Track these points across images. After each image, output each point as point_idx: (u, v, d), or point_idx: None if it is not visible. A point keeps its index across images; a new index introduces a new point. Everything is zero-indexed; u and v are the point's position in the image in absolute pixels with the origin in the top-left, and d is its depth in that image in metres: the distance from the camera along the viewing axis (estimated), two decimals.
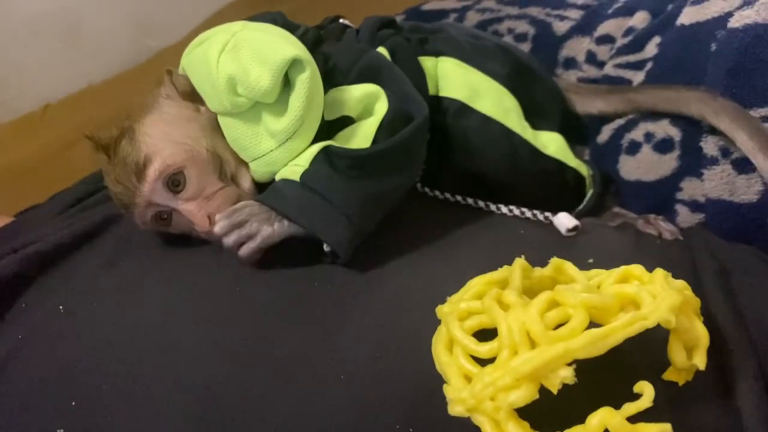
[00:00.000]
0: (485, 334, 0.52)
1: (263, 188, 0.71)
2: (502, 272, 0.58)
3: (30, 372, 0.60)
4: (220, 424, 0.55)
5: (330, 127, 0.71)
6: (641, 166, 0.84)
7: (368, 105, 0.71)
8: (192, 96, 0.73)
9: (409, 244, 0.70)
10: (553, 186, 0.82)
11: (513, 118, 0.80)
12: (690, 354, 0.53)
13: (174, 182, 0.68)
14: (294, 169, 0.67)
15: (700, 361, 0.52)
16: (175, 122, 0.70)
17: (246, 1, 1.57)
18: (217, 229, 0.65)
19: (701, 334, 0.52)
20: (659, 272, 0.54)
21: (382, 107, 0.70)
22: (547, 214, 0.75)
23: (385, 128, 0.68)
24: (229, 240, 0.65)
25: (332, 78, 0.73)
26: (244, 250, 0.65)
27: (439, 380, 0.53)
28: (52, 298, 0.66)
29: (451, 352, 0.53)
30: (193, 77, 0.71)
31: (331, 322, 0.61)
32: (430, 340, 0.56)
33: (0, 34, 1.19)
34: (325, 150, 0.66)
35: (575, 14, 1.02)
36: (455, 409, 0.50)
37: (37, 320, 0.64)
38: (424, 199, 0.80)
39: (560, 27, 1.01)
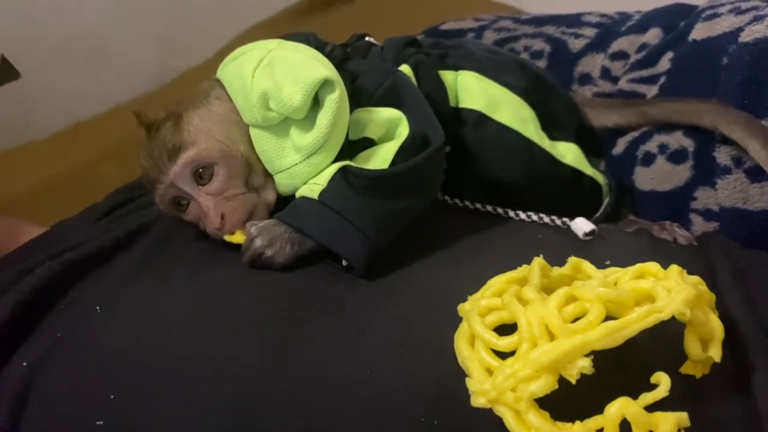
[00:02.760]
0: (505, 330, 0.54)
1: (283, 200, 0.74)
2: (521, 271, 0.60)
3: (70, 368, 0.62)
4: (252, 415, 0.57)
5: (352, 147, 0.74)
6: (656, 177, 0.86)
7: (390, 129, 0.74)
8: None
9: (431, 248, 0.73)
10: (569, 193, 0.84)
11: (530, 128, 0.82)
12: (705, 347, 0.54)
13: (201, 174, 0.72)
14: (313, 188, 0.70)
15: (716, 353, 0.53)
16: (220, 122, 0.74)
17: (267, 24, 1.61)
18: (244, 260, 0.70)
19: (716, 327, 0.54)
20: (674, 268, 0.56)
21: (403, 132, 0.72)
22: (565, 219, 0.77)
23: (403, 152, 0.71)
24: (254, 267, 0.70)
25: (358, 98, 0.75)
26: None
27: (461, 375, 0.55)
28: (89, 300, 0.68)
29: (472, 346, 0.55)
30: (228, 89, 0.75)
31: (357, 322, 0.64)
32: (452, 338, 0.58)
33: (33, 57, 1.22)
34: (342, 170, 0.69)
35: (590, 32, 1.05)
36: (478, 401, 0.52)
37: (76, 320, 0.67)
38: (445, 206, 0.82)
39: (575, 44, 1.04)
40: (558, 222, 0.78)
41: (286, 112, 0.69)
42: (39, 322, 0.68)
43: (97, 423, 0.57)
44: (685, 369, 0.56)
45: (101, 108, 1.34)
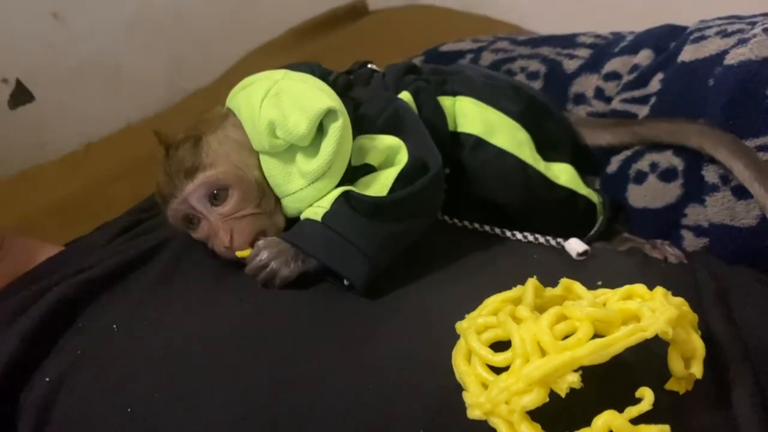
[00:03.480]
0: (500, 347, 0.58)
1: (290, 222, 0.78)
2: (516, 291, 0.63)
3: (88, 384, 0.66)
4: (264, 426, 0.61)
5: (354, 172, 0.78)
6: (648, 194, 0.89)
7: (390, 156, 0.78)
8: None
9: (430, 268, 0.76)
10: (565, 213, 0.87)
11: (526, 151, 0.86)
12: (688, 364, 0.57)
13: (216, 195, 0.75)
14: (316, 210, 0.74)
15: (697, 370, 0.57)
16: (236, 148, 0.78)
17: (273, 44, 1.65)
18: (247, 271, 0.73)
19: (697, 345, 0.57)
20: (659, 290, 0.59)
21: (402, 159, 0.76)
22: (559, 239, 0.81)
23: (402, 178, 0.74)
24: (258, 281, 0.73)
25: (361, 124, 0.79)
26: (269, 286, 0.73)
27: (458, 389, 0.58)
28: (106, 319, 0.72)
29: (469, 362, 0.59)
30: (242, 119, 0.79)
31: (359, 338, 0.67)
32: (450, 354, 0.61)
33: (47, 81, 1.27)
34: (345, 194, 0.73)
35: (584, 53, 1.08)
36: (473, 413, 0.55)
37: (93, 338, 0.70)
38: (445, 226, 0.86)
39: (570, 65, 1.07)
40: (552, 242, 0.81)
41: (292, 140, 0.73)
42: (58, 339, 0.71)
43: None
44: (670, 385, 0.59)
45: (113, 128, 1.38)
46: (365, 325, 0.69)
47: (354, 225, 0.71)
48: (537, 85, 1.08)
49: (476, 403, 0.55)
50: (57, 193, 1.24)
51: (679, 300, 0.59)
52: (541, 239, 0.82)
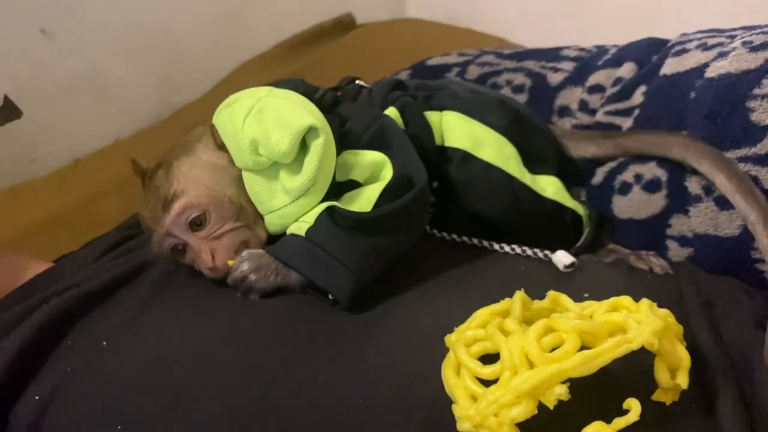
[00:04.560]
0: (489, 359, 0.59)
1: (274, 239, 0.79)
2: (503, 304, 0.64)
3: (78, 402, 0.66)
4: None
5: (339, 188, 0.78)
6: (633, 205, 0.91)
7: (375, 172, 0.78)
8: (227, 148, 0.80)
9: (419, 281, 0.77)
10: (552, 225, 0.88)
11: (513, 164, 0.87)
12: (674, 375, 0.59)
13: (196, 221, 0.76)
14: (301, 225, 0.75)
15: (683, 380, 0.58)
16: (208, 168, 0.79)
17: (260, 59, 1.65)
18: (228, 281, 0.75)
19: (683, 356, 0.59)
20: (644, 302, 0.61)
21: (387, 174, 0.77)
22: (546, 252, 0.82)
23: (387, 193, 0.75)
24: (238, 293, 0.75)
25: (346, 140, 0.80)
26: (247, 297, 0.75)
27: (448, 402, 0.59)
28: (95, 335, 0.72)
29: (458, 375, 0.60)
30: (222, 135, 0.79)
31: (349, 352, 0.67)
32: (439, 367, 0.62)
33: (36, 97, 1.26)
34: (329, 209, 0.74)
35: (568, 66, 1.10)
36: (463, 426, 0.56)
37: (83, 355, 0.70)
38: (433, 239, 0.87)
39: (554, 78, 1.09)
40: (540, 254, 0.82)
41: (274, 158, 0.73)
42: (48, 356, 0.72)
43: None
44: (656, 396, 0.60)
45: (102, 144, 1.38)
46: (355, 338, 0.69)
47: (337, 240, 0.72)
48: (522, 98, 1.10)
49: (466, 416, 0.56)
50: (46, 209, 1.24)
51: (665, 311, 0.60)
52: (529, 251, 0.83)
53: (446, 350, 0.63)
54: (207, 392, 0.65)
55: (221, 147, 0.80)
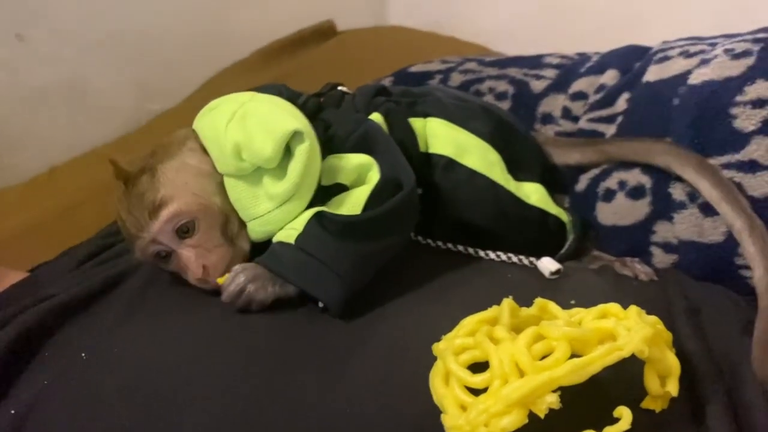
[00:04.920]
0: (478, 368, 0.58)
1: (258, 246, 0.77)
2: (491, 311, 0.64)
3: (58, 413, 0.64)
4: None
5: (325, 192, 0.77)
6: (617, 212, 0.90)
7: (361, 174, 0.77)
8: None
9: (405, 290, 0.75)
10: (536, 232, 0.88)
11: (497, 171, 0.86)
12: (664, 382, 0.58)
13: (183, 228, 0.74)
14: (290, 233, 0.73)
15: (673, 388, 0.57)
16: (195, 174, 0.77)
17: (239, 66, 1.64)
18: (224, 298, 0.71)
19: (673, 363, 0.58)
20: (633, 309, 0.60)
21: (373, 177, 0.75)
22: (532, 259, 0.81)
23: (375, 196, 0.74)
24: (236, 306, 0.71)
25: (331, 145, 0.79)
26: (246, 311, 0.72)
27: (436, 412, 0.58)
28: (74, 347, 0.70)
29: (447, 384, 0.58)
30: (203, 140, 0.78)
31: (335, 363, 0.66)
32: (427, 377, 0.61)
33: (11, 103, 1.24)
34: (317, 215, 0.72)
35: (550, 73, 1.10)
36: None
37: (61, 367, 0.68)
38: (418, 246, 0.86)
39: (537, 85, 1.09)
40: (525, 261, 0.81)
41: (258, 163, 0.72)
42: (23, 370, 0.70)
43: None
44: (646, 404, 0.59)
45: (78, 152, 1.36)
46: (340, 348, 0.68)
47: (327, 246, 0.71)
48: (505, 105, 1.09)
49: (455, 426, 0.55)
50: (20, 217, 1.21)
51: (654, 318, 0.60)
52: (514, 258, 0.82)
53: (433, 360, 0.62)
54: (191, 404, 0.63)
55: (206, 152, 0.78)
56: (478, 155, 0.86)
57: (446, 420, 0.56)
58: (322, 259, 0.70)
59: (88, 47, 1.36)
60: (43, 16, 1.27)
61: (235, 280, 0.71)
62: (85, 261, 0.90)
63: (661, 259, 0.87)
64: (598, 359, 0.54)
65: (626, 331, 0.57)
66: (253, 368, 0.66)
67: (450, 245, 0.85)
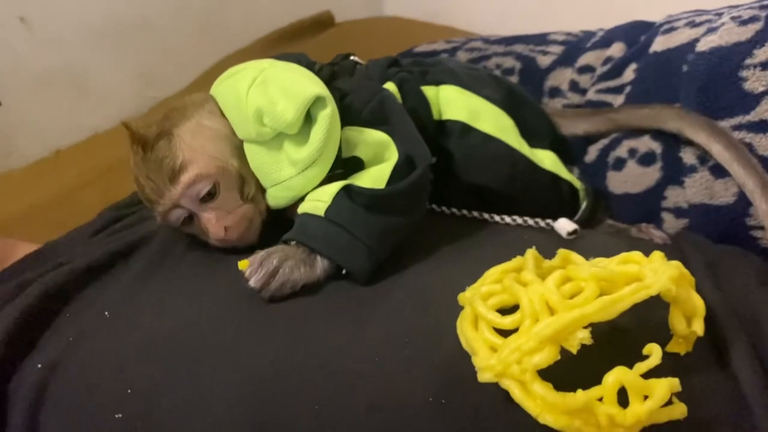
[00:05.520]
0: (505, 314, 0.58)
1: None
2: (515, 262, 0.64)
3: (84, 368, 0.64)
4: (268, 405, 0.59)
5: (343, 164, 0.78)
6: (628, 180, 0.91)
7: (378, 152, 0.77)
8: None
9: (425, 252, 0.76)
10: (549, 198, 0.89)
11: (511, 135, 0.87)
12: (689, 323, 0.59)
13: (205, 192, 0.75)
14: (317, 205, 0.72)
15: (699, 327, 0.58)
16: (212, 137, 0.77)
17: (240, 54, 1.64)
18: (253, 283, 0.68)
19: (698, 304, 0.59)
20: (657, 253, 0.61)
21: (392, 155, 0.76)
22: (548, 221, 0.82)
23: (396, 173, 0.74)
24: (266, 294, 0.69)
25: (347, 115, 0.79)
26: (279, 295, 0.69)
27: (465, 357, 0.58)
28: (96, 307, 0.70)
29: (476, 328, 0.59)
30: (222, 106, 0.78)
31: (360, 317, 0.67)
32: (453, 327, 0.61)
33: (14, 88, 1.24)
34: (345, 188, 0.72)
35: (557, 49, 1.11)
36: (484, 376, 0.55)
37: (84, 325, 0.68)
38: (434, 214, 0.86)
39: (544, 60, 1.10)
40: (542, 224, 0.82)
41: (279, 128, 0.72)
42: (46, 329, 0.70)
43: (116, 416, 0.59)
44: (671, 347, 0.60)
45: (80, 136, 1.36)
46: (364, 305, 0.68)
47: (359, 219, 0.71)
48: (513, 80, 1.10)
49: (487, 366, 0.55)
50: (26, 200, 1.21)
51: (676, 262, 0.60)
52: (530, 221, 0.83)
53: (457, 311, 0.62)
54: (217, 358, 0.63)
55: (224, 116, 0.79)
56: (492, 120, 0.87)
57: (477, 361, 0.56)
58: (353, 230, 0.70)
59: (90, 33, 1.36)
60: (46, 1, 1.27)
61: (265, 264, 0.69)
62: (98, 232, 0.90)
63: (672, 224, 0.88)
64: (627, 296, 0.54)
65: (652, 273, 0.57)
66: (276, 324, 0.66)
67: (465, 212, 0.86)
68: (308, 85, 0.73)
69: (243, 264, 0.70)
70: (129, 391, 0.61)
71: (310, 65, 0.83)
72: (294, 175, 0.74)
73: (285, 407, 0.59)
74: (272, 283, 0.69)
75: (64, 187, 1.24)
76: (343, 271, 0.72)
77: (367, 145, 0.77)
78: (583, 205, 0.90)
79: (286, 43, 1.69)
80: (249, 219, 0.77)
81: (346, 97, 0.82)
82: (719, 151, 0.81)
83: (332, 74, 0.87)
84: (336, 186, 0.73)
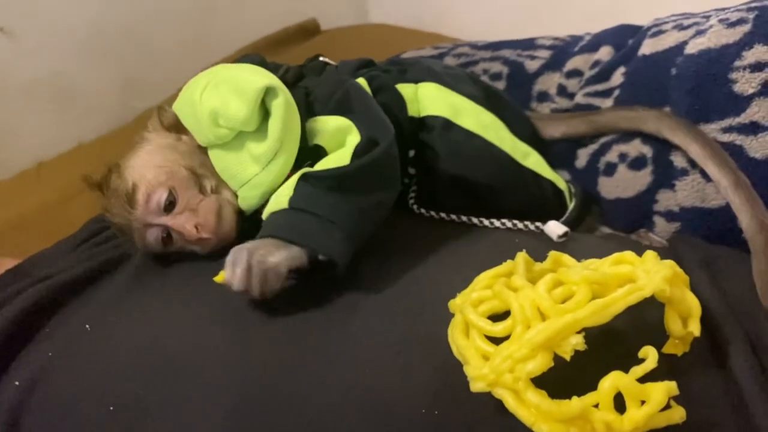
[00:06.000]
0: (496, 321, 0.57)
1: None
2: (505, 266, 0.63)
3: (65, 384, 0.62)
4: (257, 421, 0.58)
5: (307, 155, 0.76)
6: (619, 185, 0.91)
7: (340, 138, 0.76)
8: (177, 128, 0.80)
9: (414, 258, 0.74)
10: (534, 196, 0.87)
11: (492, 132, 0.86)
12: (685, 324, 0.58)
13: (170, 203, 0.74)
14: (280, 200, 0.70)
15: (695, 327, 0.57)
16: (156, 150, 0.78)
17: (224, 63, 1.63)
18: (236, 285, 0.64)
19: (693, 304, 0.58)
20: (650, 253, 0.60)
21: (353, 139, 0.74)
22: (538, 224, 0.80)
23: (358, 154, 0.72)
24: (255, 292, 0.65)
25: (312, 108, 0.79)
26: (269, 291, 0.66)
27: (457, 366, 0.57)
28: (77, 320, 0.69)
29: (467, 336, 0.58)
30: (181, 117, 0.78)
31: (351, 325, 0.65)
32: (444, 334, 0.60)
33: None
34: (303, 176, 0.71)
35: (544, 54, 1.10)
36: (477, 386, 0.54)
37: (66, 339, 0.67)
38: (421, 220, 0.85)
39: (531, 65, 1.09)
40: (531, 227, 0.81)
41: (236, 126, 0.72)
42: (26, 345, 0.68)
43: None
44: (667, 348, 0.59)
45: (64, 147, 1.34)
46: (355, 312, 0.67)
47: (321, 200, 0.69)
48: (500, 85, 1.09)
49: (479, 375, 0.54)
50: (9, 212, 1.19)
51: (670, 262, 0.59)
52: (520, 225, 0.81)
53: (449, 318, 0.61)
54: (204, 373, 0.62)
55: (168, 128, 0.80)
56: (473, 117, 0.86)
57: (470, 370, 0.55)
58: (319, 213, 0.68)
59: (73, 43, 1.34)
60: (28, 10, 1.26)
61: (237, 262, 0.65)
62: (81, 244, 0.88)
63: (664, 227, 0.87)
64: (620, 299, 0.53)
65: (645, 273, 0.56)
66: (265, 334, 0.65)
67: (454, 217, 0.84)
68: (256, 78, 0.73)
69: (219, 277, 0.66)
70: (111, 408, 0.59)
71: (272, 68, 0.82)
72: (259, 172, 0.74)
73: (275, 420, 0.58)
74: (252, 277, 0.65)
75: (48, 199, 1.22)
76: (320, 257, 0.69)
77: (327, 133, 0.77)
78: (571, 205, 0.89)
79: (272, 51, 1.68)
80: (216, 211, 0.75)
81: (311, 93, 0.82)
82: (696, 152, 0.81)
83: (299, 74, 0.86)
84: (296, 177, 0.72)
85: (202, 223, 0.74)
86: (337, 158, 0.73)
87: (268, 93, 0.72)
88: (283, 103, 0.72)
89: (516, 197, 0.86)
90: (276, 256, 0.66)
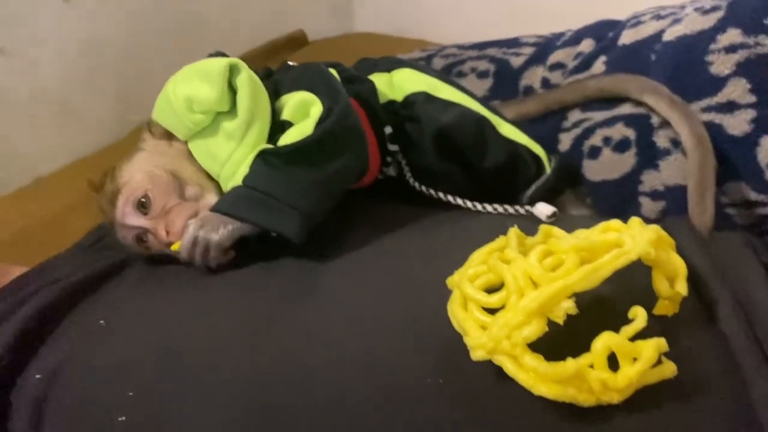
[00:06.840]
0: (492, 293, 0.59)
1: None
2: (499, 242, 0.65)
3: (84, 374, 0.64)
4: (273, 398, 0.60)
5: (279, 133, 0.79)
6: (604, 168, 0.93)
7: (305, 110, 0.80)
8: (168, 135, 0.84)
9: (407, 243, 0.78)
10: (514, 158, 0.90)
11: (468, 102, 0.91)
12: (672, 285, 0.60)
13: (142, 204, 0.78)
14: (237, 178, 0.76)
15: (682, 287, 0.59)
16: (145, 156, 0.83)
17: None
18: (182, 256, 0.74)
19: (678, 264, 0.60)
20: (635, 219, 0.62)
21: (316, 110, 0.78)
22: (527, 206, 0.83)
23: (321, 125, 0.76)
24: (197, 262, 0.74)
25: (279, 91, 0.83)
26: (211, 263, 0.74)
27: (459, 338, 0.59)
28: (91, 318, 0.71)
29: (466, 309, 0.60)
30: (159, 119, 0.83)
31: (354, 306, 0.68)
32: (444, 310, 0.62)
33: None
34: (260, 153, 0.75)
35: (528, 50, 1.14)
36: (477, 354, 0.56)
37: (82, 335, 0.69)
38: (412, 198, 0.88)
39: (516, 61, 1.12)
40: (521, 210, 0.83)
41: (210, 108, 0.77)
42: (43, 343, 0.70)
43: (119, 419, 0.60)
44: (658, 310, 0.61)
45: (62, 162, 1.36)
46: (356, 293, 0.70)
47: (273, 179, 0.73)
48: (487, 82, 1.13)
49: (478, 344, 0.56)
50: (8, 228, 1.20)
51: (655, 226, 0.62)
52: (510, 209, 0.83)
53: (449, 294, 0.63)
54: (217, 362, 0.64)
55: (160, 137, 0.83)
56: (449, 91, 0.91)
57: (469, 340, 0.57)
58: (271, 192, 0.73)
59: (68, 59, 1.36)
60: (22, 29, 1.28)
61: (187, 233, 0.73)
62: (89, 247, 0.91)
63: (650, 207, 0.90)
64: (608, 263, 0.55)
65: (631, 239, 0.59)
66: (274, 319, 0.67)
67: (450, 198, 0.86)
68: (218, 60, 0.78)
69: (175, 246, 0.76)
70: (130, 393, 0.61)
71: None
72: (236, 147, 0.77)
73: (288, 401, 0.60)
74: (196, 252, 0.73)
75: (47, 215, 1.24)
76: (273, 234, 0.73)
77: (292, 107, 0.80)
78: (548, 171, 0.92)
79: (261, 63, 1.70)
80: (188, 216, 0.78)
81: (279, 83, 0.85)
82: (665, 110, 0.87)
83: (269, 72, 0.90)
84: (253, 153, 0.76)
85: (170, 225, 0.77)
86: (301, 129, 0.76)
87: (232, 72, 0.76)
88: (247, 77, 0.77)
89: (497, 157, 0.88)
90: (219, 232, 0.72)
